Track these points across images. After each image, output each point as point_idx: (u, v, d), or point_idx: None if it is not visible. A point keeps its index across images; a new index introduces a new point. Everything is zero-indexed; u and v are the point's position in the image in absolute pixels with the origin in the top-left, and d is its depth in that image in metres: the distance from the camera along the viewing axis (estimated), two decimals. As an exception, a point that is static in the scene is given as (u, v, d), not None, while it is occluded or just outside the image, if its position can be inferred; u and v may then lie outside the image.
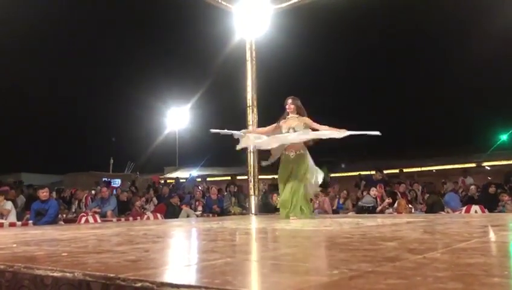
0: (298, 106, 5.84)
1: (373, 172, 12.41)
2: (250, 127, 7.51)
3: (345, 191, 11.27)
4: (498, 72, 24.35)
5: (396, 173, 17.03)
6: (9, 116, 29.71)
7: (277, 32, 9.71)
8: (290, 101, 5.83)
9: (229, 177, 14.49)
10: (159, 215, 9.67)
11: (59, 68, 32.33)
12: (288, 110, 5.83)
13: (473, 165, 19.85)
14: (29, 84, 30.93)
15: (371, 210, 9.77)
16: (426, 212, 9.11)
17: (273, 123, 6.05)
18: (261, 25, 8.75)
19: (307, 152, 5.82)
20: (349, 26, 25.13)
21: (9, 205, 8.20)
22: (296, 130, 5.64)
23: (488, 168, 19.85)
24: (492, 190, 9.93)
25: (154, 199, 11.87)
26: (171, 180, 19.25)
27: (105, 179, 20.16)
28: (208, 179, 17.11)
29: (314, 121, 5.73)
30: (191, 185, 13.96)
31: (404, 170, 19.15)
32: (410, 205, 10.03)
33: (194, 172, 19.16)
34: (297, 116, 5.78)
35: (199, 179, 16.47)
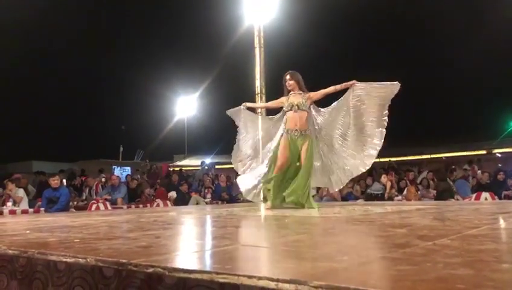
0: (299, 80, 5.23)
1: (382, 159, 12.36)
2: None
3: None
4: (508, 57, 24.01)
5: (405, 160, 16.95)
6: (20, 104, 29.94)
7: (285, 18, 9.64)
8: (288, 77, 5.22)
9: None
10: (168, 202, 9.75)
11: (69, 57, 32.44)
12: (288, 88, 5.21)
13: (483, 152, 19.69)
14: (39, 73, 31.09)
15: (379, 197, 9.78)
16: (435, 199, 9.09)
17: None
18: (269, 11, 8.69)
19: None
20: (358, 10, 24.89)
21: (21, 192, 8.33)
22: (300, 108, 5.06)
23: (499, 155, 19.69)
24: (500, 176, 9.91)
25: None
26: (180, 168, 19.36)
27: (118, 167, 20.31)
28: (217, 166, 17.17)
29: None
30: (202, 173, 14.03)
31: (414, 157, 19.06)
32: (419, 192, 10.01)
33: (208, 160, 19.21)
34: (300, 92, 5.18)
35: (207, 167, 16.51)
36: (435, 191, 9.48)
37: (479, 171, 10.72)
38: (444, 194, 9.02)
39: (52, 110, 32.89)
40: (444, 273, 1.09)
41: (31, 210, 7.78)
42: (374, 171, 12.72)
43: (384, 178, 10.30)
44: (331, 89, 5.20)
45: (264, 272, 1.11)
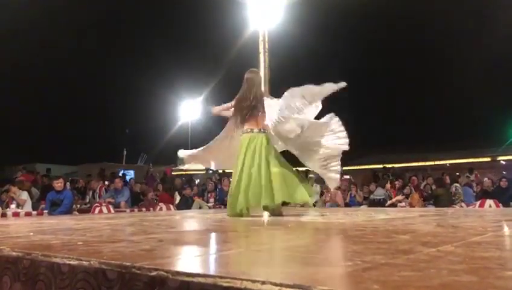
0: None
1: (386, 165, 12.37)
2: None
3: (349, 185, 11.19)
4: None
5: (409, 166, 16.91)
6: (23, 107, 30.06)
7: (290, 23, 9.66)
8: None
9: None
10: (171, 206, 9.76)
11: (72, 59, 32.56)
12: None
13: (488, 159, 19.63)
14: (42, 75, 31.21)
15: (381, 202, 9.78)
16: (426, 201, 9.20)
17: None
18: (274, 16, 8.71)
19: None
20: (363, 16, 24.90)
21: (24, 195, 8.35)
22: None
23: (503, 162, 19.62)
24: (503, 183, 9.90)
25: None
26: (183, 172, 19.36)
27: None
28: (220, 171, 17.16)
29: None
30: (205, 177, 14.05)
31: (418, 164, 19.05)
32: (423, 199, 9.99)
33: None
34: None
35: (211, 171, 16.51)
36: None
37: (486, 179, 10.70)
38: (439, 200, 9.02)
39: (56, 113, 33.04)
40: (448, 280, 1.09)
41: (34, 212, 7.80)
42: (377, 177, 12.73)
43: (388, 185, 10.31)
44: None
45: (268, 277, 1.10)
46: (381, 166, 17.62)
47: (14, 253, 1.69)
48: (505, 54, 23.11)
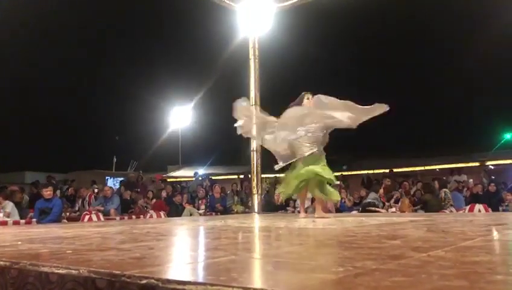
0: None
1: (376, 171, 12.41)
2: None
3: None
4: (501, 69, 24.23)
5: (398, 172, 17.01)
6: (12, 115, 29.77)
7: (280, 30, 9.70)
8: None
9: (233, 176, 14.47)
10: (161, 213, 9.69)
11: (62, 66, 32.38)
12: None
13: (477, 164, 19.77)
14: (32, 83, 31.01)
15: (372, 205, 9.81)
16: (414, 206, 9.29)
17: None
18: (264, 24, 8.74)
19: None
20: (353, 23, 25.08)
21: (9, 207, 8.08)
22: None
23: (492, 167, 19.77)
24: (492, 187, 9.99)
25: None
26: (174, 179, 19.29)
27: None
28: (211, 177, 17.14)
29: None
30: (195, 184, 13.98)
31: (408, 169, 19.16)
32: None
33: (201, 170, 19.18)
34: None
35: (201, 178, 16.48)
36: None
37: (471, 180, 10.82)
38: (427, 205, 9.09)
39: (46, 121, 32.79)
40: (439, 284, 1.09)
41: (22, 221, 7.69)
42: (367, 182, 12.78)
43: (381, 190, 10.37)
44: None
45: (259, 284, 1.10)
46: (371, 171, 17.72)
47: (1, 262, 1.66)
48: (495, 60, 23.40)
